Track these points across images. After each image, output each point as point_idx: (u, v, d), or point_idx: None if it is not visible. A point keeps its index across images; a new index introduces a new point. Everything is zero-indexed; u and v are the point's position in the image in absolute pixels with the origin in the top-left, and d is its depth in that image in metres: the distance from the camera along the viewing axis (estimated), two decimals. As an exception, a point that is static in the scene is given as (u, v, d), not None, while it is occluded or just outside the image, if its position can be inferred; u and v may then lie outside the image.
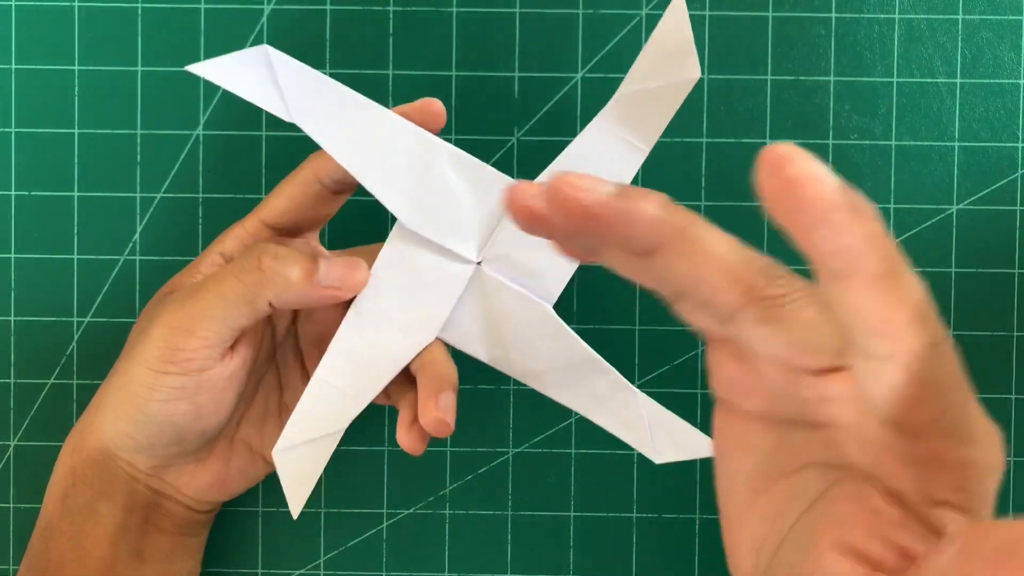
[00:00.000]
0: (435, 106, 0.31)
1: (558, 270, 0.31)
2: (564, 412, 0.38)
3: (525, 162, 0.38)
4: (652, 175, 0.38)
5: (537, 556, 0.38)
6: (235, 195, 0.38)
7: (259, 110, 0.29)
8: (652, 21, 0.37)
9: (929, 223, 0.38)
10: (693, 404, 0.38)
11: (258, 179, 0.38)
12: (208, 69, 0.28)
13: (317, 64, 0.38)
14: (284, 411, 0.35)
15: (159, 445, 0.31)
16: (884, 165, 0.38)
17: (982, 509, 0.19)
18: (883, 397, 0.19)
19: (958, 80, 0.38)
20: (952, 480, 0.19)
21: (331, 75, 0.38)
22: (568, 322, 0.36)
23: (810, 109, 0.38)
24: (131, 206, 0.38)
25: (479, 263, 0.31)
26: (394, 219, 0.30)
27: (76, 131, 0.38)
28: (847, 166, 0.38)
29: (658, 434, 0.31)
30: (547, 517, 0.38)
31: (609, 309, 0.38)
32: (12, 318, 0.38)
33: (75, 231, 0.38)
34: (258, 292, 0.29)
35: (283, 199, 0.32)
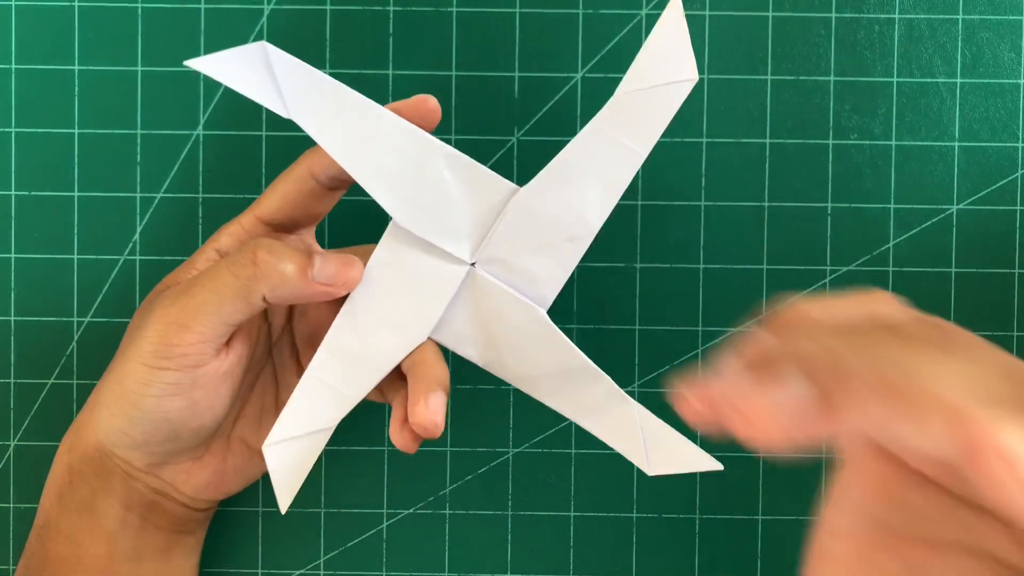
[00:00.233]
0: (430, 103, 0.31)
1: (553, 274, 0.30)
2: (564, 412, 0.38)
3: (525, 162, 0.38)
4: (652, 175, 0.38)
5: (537, 556, 0.38)
6: (235, 195, 0.38)
7: (259, 110, 0.29)
8: (652, 21, 0.37)
9: (929, 223, 0.38)
10: (693, 404, 0.38)
11: (258, 179, 0.38)
12: (206, 64, 0.28)
13: (317, 64, 0.38)
14: (280, 409, 0.34)
15: (154, 442, 0.31)
16: (884, 165, 0.38)
17: None
18: None
19: (958, 80, 0.38)
20: None
21: (331, 75, 0.38)
22: (568, 322, 0.36)
23: (810, 109, 0.38)
24: (131, 206, 0.38)
25: (473, 264, 0.30)
26: (390, 218, 0.30)
27: (76, 131, 0.38)
28: (847, 166, 0.38)
29: (652, 445, 0.30)
30: (547, 517, 0.38)
31: (609, 309, 0.38)
32: (12, 318, 0.38)
33: (75, 231, 0.38)
34: (252, 286, 0.29)
35: (278, 195, 0.32)
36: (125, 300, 0.38)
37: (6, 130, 0.38)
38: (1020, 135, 0.38)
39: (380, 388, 0.32)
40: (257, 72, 0.28)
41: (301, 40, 0.38)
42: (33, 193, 0.38)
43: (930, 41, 0.38)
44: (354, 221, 0.38)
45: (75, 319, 0.38)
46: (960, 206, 0.38)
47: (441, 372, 0.30)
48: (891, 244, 0.38)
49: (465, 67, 0.38)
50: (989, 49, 0.38)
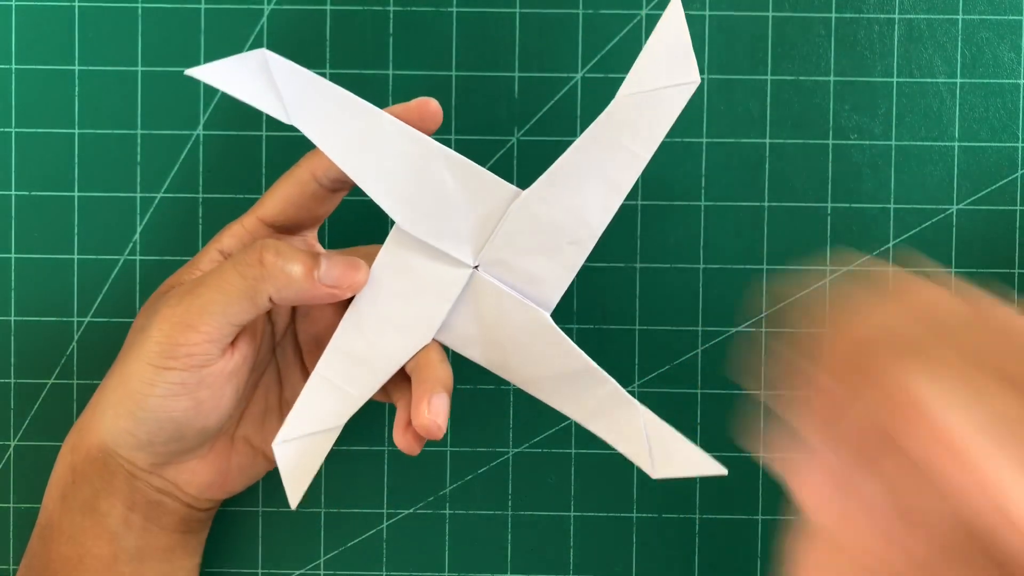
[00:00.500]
0: (431, 105, 0.31)
1: (556, 277, 0.30)
2: (564, 412, 0.38)
3: (525, 162, 0.38)
4: (652, 175, 0.38)
5: (537, 556, 0.38)
6: (235, 195, 0.38)
7: (259, 110, 0.29)
8: (652, 21, 0.37)
9: (929, 223, 0.38)
10: (693, 404, 0.38)
11: (258, 179, 0.38)
12: (207, 73, 0.28)
13: (317, 64, 0.38)
14: (284, 408, 0.35)
15: (159, 442, 0.31)
16: (884, 165, 0.38)
17: None
18: None
19: (958, 80, 0.38)
20: None
21: (331, 75, 0.38)
22: (568, 322, 0.36)
23: (810, 109, 0.38)
24: (131, 206, 0.38)
25: (476, 267, 0.30)
26: (392, 220, 0.30)
27: (76, 131, 0.38)
28: (847, 166, 0.38)
29: (656, 448, 0.30)
30: (547, 517, 0.38)
31: (609, 309, 0.38)
32: (12, 318, 0.38)
33: (75, 231, 0.38)
34: (259, 287, 0.29)
35: (280, 197, 0.32)
36: (125, 300, 0.38)
37: (6, 130, 0.38)
38: (1020, 135, 0.38)
39: (385, 388, 0.33)
40: (257, 79, 0.28)
41: (301, 40, 0.38)
42: (33, 193, 0.38)
43: (930, 41, 0.38)
44: (355, 222, 0.38)
45: (75, 319, 0.38)
46: (960, 206, 0.38)
47: (445, 374, 0.31)
48: (891, 244, 0.38)
49: (465, 67, 0.38)
50: (989, 49, 0.38)
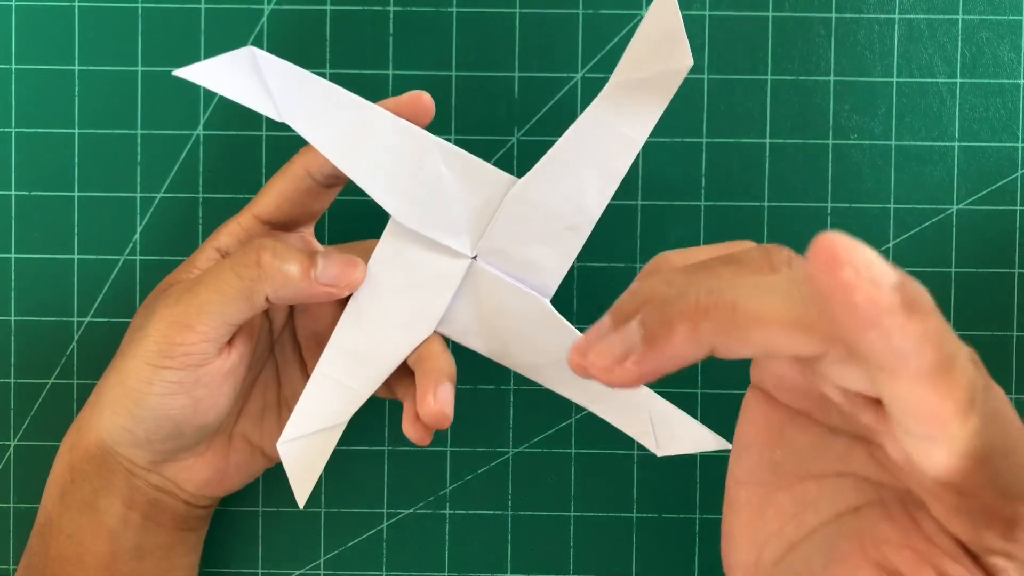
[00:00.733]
0: (423, 99, 0.31)
1: (555, 264, 0.30)
2: (564, 412, 0.38)
3: (525, 162, 0.38)
4: (652, 175, 0.38)
5: (537, 556, 0.38)
6: (235, 195, 0.38)
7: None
8: (652, 21, 0.37)
9: (929, 223, 0.38)
10: (693, 404, 0.38)
11: (258, 179, 0.38)
12: (196, 72, 0.28)
13: (317, 64, 0.38)
14: (283, 405, 0.35)
15: (157, 440, 0.31)
16: (884, 165, 0.38)
17: None
18: (929, 470, 0.18)
19: (958, 80, 0.38)
20: (1004, 532, 0.18)
21: (331, 75, 0.38)
22: (568, 317, 0.36)
23: (810, 109, 0.38)
24: (131, 206, 0.38)
25: (474, 258, 0.31)
26: (389, 215, 0.31)
27: (76, 131, 0.38)
28: (847, 166, 0.38)
29: (660, 427, 0.31)
30: (547, 517, 0.38)
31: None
32: (12, 318, 0.38)
33: (75, 231, 0.38)
34: (256, 288, 0.29)
35: (275, 194, 0.32)
36: (125, 300, 0.38)
37: (6, 130, 0.38)
38: (1020, 135, 0.38)
39: (388, 383, 0.33)
40: (247, 77, 0.28)
41: (301, 40, 0.38)
42: (33, 193, 0.38)
43: (930, 41, 0.38)
44: (354, 218, 0.38)
45: (75, 319, 0.38)
46: (960, 206, 0.38)
47: (448, 364, 0.31)
48: (891, 244, 0.38)
49: (465, 67, 0.38)
50: (989, 49, 0.38)
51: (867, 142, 0.38)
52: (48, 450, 0.37)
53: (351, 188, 0.33)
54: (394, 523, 0.39)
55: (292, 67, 0.29)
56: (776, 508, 0.22)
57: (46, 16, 0.38)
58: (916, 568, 0.19)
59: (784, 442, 0.23)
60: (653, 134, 0.29)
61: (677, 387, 0.38)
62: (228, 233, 0.33)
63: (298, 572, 0.39)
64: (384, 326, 0.31)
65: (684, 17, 0.28)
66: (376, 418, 0.38)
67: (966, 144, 0.38)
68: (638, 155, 0.30)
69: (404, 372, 0.32)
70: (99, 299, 0.38)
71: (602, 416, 0.31)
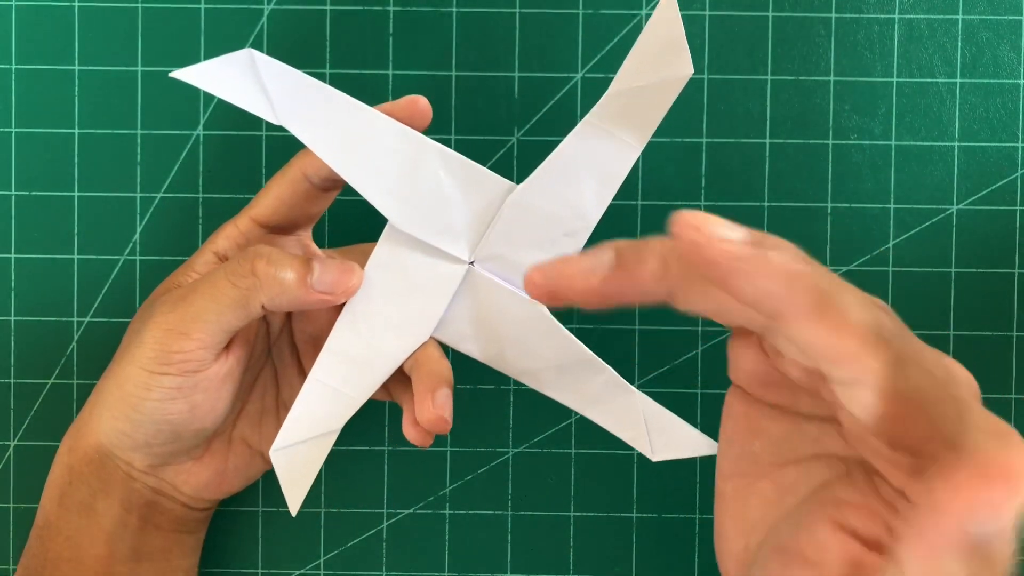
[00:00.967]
0: (420, 103, 0.31)
1: None
2: (564, 412, 0.38)
3: (525, 162, 0.38)
4: (652, 175, 0.38)
5: (537, 556, 0.38)
6: (235, 195, 0.38)
7: (258, 110, 0.29)
8: (652, 21, 0.37)
9: (929, 223, 0.38)
10: (693, 404, 0.38)
11: (258, 179, 0.38)
12: (193, 74, 0.28)
13: (317, 64, 0.38)
14: (281, 408, 0.35)
15: (156, 444, 0.31)
16: (884, 165, 0.38)
17: None
18: (864, 416, 0.19)
19: (958, 80, 0.38)
20: (909, 470, 0.20)
21: (331, 75, 0.38)
22: (568, 322, 0.36)
23: (810, 109, 0.38)
24: (131, 206, 0.38)
25: (471, 263, 0.30)
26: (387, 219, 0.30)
27: (76, 131, 0.38)
28: (847, 166, 0.38)
29: (655, 432, 0.31)
30: (547, 517, 0.38)
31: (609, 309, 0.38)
32: (12, 318, 0.38)
33: (75, 231, 0.38)
34: (251, 296, 0.29)
35: (272, 197, 0.32)
36: (125, 300, 0.38)
37: (6, 130, 0.38)
38: (1020, 135, 0.38)
39: (387, 387, 0.32)
40: (245, 79, 0.28)
41: (301, 40, 0.38)
42: (33, 193, 0.38)
43: (930, 41, 0.38)
44: (355, 219, 0.38)
45: (75, 319, 0.38)
46: (960, 206, 0.38)
47: (445, 369, 0.31)
48: (891, 244, 0.38)
49: (465, 67, 0.38)
50: (989, 49, 0.38)
51: (867, 142, 0.38)
52: (48, 450, 0.37)
53: (352, 189, 0.33)
54: (394, 523, 0.39)
55: (291, 70, 0.29)
56: (759, 496, 0.24)
57: (46, 16, 0.38)
58: (869, 524, 0.21)
59: (762, 434, 0.24)
60: (653, 134, 0.29)
61: (677, 387, 0.38)
62: (226, 236, 0.33)
63: (298, 572, 0.39)
64: (380, 331, 0.31)
65: (684, 17, 0.28)
66: (376, 418, 0.38)
67: (966, 144, 0.38)
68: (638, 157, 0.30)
69: (402, 376, 0.32)
70: (99, 299, 0.38)
71: (596, 421, 0.31)
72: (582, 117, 0.38)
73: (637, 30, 0.38)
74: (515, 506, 0.38)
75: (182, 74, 0.28)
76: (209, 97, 0.38)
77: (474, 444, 0.38)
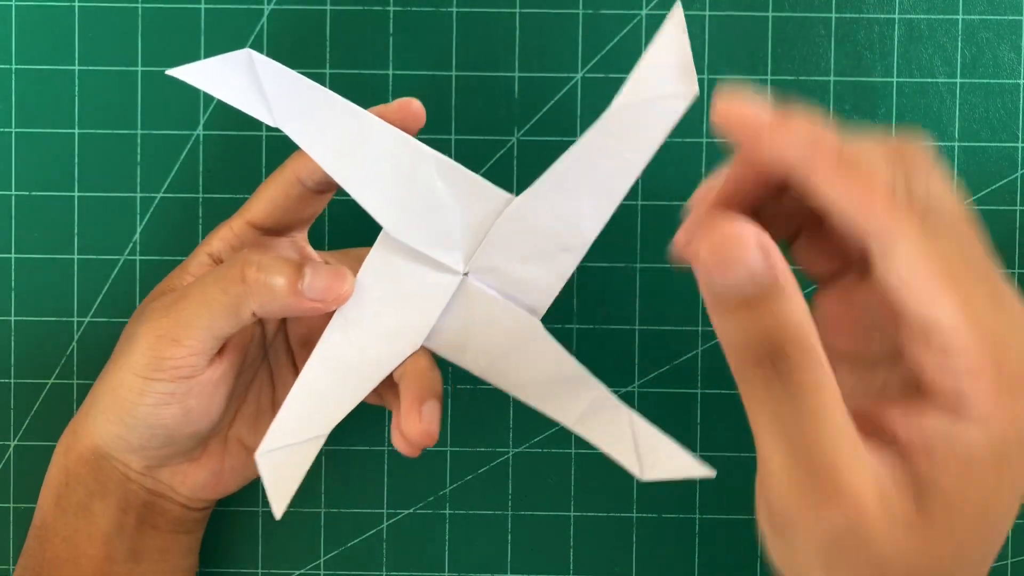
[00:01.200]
0: (413, 105, 0.30)
1: (547, 284, 0.30)
2: (564, 412, 0.38)
3: (525, 162, 0.38)
4: (652, 175, 0.38)
5: (537, 556, 0.38)
6: (235, 195, 0.38)
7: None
8: (652, 21, 0.37)
9: (929, 223, 0.38)
10: (693, 404, 0.38)
11: (258, 179, 0.38)
12: (190, 72, 0.28)
13: (317, 64, 0.38)
14: (277, 409, 0.34)
15: (151, 447, 0.31)
16: (884, 165, 0.38)
17: None
18: (891, 274, 0.20)
19: (958, 80, 0.38)
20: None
21: (331, 75, 0.38)
22: (568, 322, 0.36)
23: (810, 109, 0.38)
24: (131, 206, 0.38)
25: (465, 274, 0.30)
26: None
27: (76, 131, 0.38)
28: (847, 166, 0.38)
29: (645, 452, 0.30)
30: (547, 517, 0.38)
31: (609, 309, 0.38)
32: (12, 318, 0.38)
33: (75, 231, 0.38)
34: (242, 303, 0.29)
35: (266, 199, 0.32)
36: (125, 300, 0.38)
37: (6, 130, 0.38)
38: (1020, 135, 0.38)
39: (378, 392, 0.32)
40: (242, 80, 0.28)
41: (301, 40, 0.38)
42: (33, 193, 0.38)
43: (930, 41, 0.38)
44: (355, 222, 0.38)
45: (75, 319, 0.38)
46: (960, 206, 0.38)
47: (434, 380, 0.30)
48: (891, 244, 0.38)
49: (465, 67, 0.38)
50: (989, 49, 0.38)
51: (867, 142, 0.38)
52: (48, 450, 0.37)
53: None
54: (394, 523, 0.39)
55: (289, 72, 0.28)
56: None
57: (46, 16, 0.38)
58: (879, 411, 0.21)
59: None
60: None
61: (677, 387, 0.38)
62: (220, 238, 0.33)
63: (298, 572, 0.39)
64: (371, 338, 0.30)
65: (684, 17, 0.28)
66: (376, 418, 0.38)
67: (966, 144, 0.38)
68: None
69: (393, 382, 0.32)
70: (99, 299, 0.38)
71: (585, 437, 0.30)
72: (582, 117, 0.38)
73: (637, 30, 0.38)
74: (515, 506, 0.38)
75: (179, 72, 0.28)
76: (209, 97, 0.38)
77: (474, 444, 0.38)
